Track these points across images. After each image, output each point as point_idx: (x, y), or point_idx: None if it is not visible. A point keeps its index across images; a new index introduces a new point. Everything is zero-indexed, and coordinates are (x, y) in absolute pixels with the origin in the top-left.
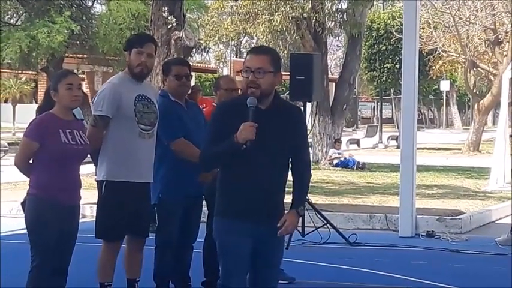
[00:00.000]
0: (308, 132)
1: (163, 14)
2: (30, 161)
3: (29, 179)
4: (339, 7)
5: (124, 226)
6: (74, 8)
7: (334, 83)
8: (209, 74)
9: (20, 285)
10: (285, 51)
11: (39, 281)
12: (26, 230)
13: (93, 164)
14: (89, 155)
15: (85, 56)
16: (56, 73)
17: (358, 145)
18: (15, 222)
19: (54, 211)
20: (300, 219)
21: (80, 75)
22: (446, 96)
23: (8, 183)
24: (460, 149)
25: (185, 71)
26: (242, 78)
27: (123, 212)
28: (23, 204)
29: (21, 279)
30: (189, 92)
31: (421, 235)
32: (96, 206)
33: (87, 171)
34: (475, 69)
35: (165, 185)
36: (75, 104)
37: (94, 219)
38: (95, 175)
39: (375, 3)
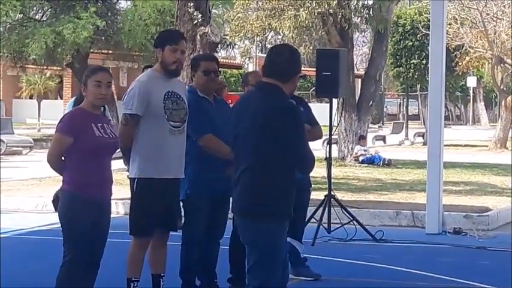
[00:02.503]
0: (334, 128)
1: (189, 10)
2: (62, 158)
3: (59, 175)
4: (365, 3)
5: (155, 223)
6: (99, 4)
7: (360, 79)
8: (234, 70)
9: (44, 279)
10: (311, 47)
11: (71, 276)
12: (50, 226)
13: (118, 160)
14: (120, 153)
15: (110, 51)
16: (88, 68)
17: (384, 142)
18: (40, 218)
19: (87, 206)
20: (326, 215)
21: None
22: (473, 92)
23: (33, 179)
24: (487, 146)
25: (213, 66)
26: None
27: (155, 209)
28: (54, 202)
29: (45, 273)
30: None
31: (448, 232)
32: (121, 201)
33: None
34: (502, 65)
35: (192, 181)
36: (100, 102)
37: (119, 215)
38: (127, 171)
39: None
